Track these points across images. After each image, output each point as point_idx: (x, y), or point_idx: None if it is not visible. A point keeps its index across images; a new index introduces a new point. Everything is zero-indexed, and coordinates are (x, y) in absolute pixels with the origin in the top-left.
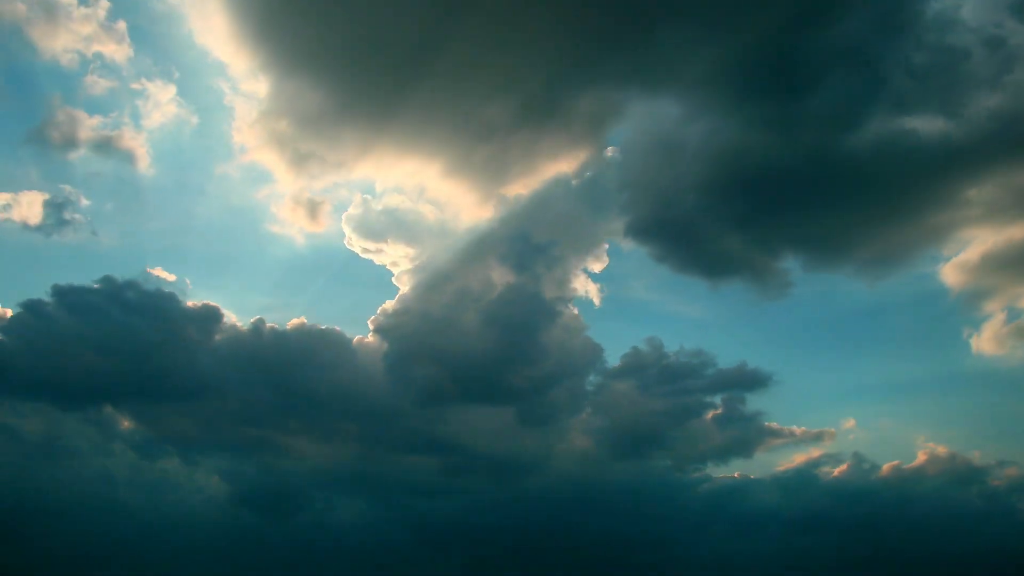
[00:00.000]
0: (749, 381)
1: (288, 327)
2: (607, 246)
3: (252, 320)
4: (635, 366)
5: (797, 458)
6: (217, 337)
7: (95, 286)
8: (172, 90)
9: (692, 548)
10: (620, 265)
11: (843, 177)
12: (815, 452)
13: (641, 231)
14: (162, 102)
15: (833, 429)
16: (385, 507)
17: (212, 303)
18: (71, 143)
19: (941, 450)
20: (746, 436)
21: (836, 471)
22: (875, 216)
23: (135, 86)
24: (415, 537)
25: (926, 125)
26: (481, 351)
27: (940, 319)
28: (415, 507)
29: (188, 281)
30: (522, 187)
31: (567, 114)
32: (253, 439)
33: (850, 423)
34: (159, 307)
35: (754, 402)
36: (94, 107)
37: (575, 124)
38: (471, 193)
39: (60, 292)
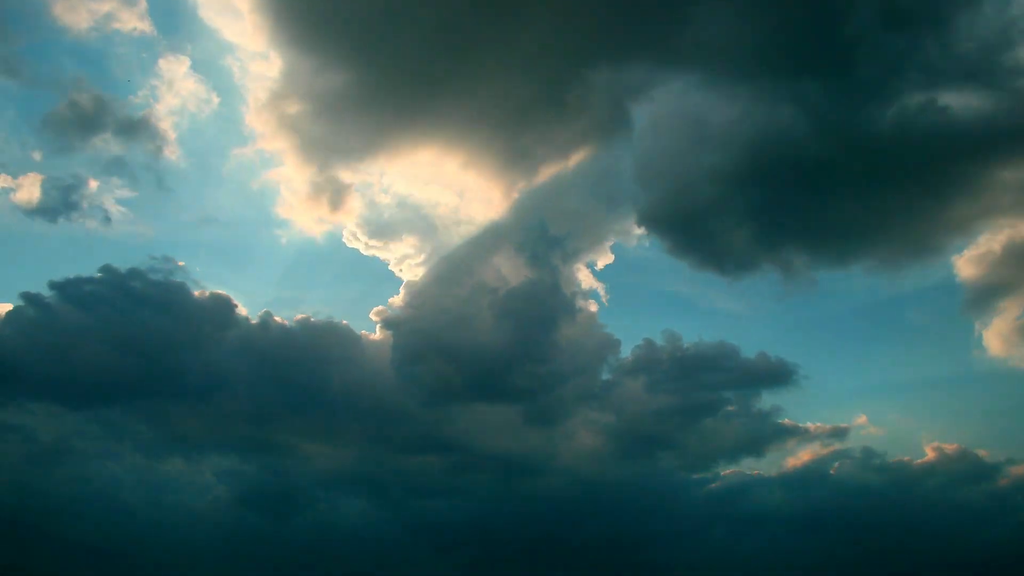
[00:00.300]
0: (768, 377)
1: (295, 321)
2: (614, 240)
3: (260, 313)
4: (646, 361)
5: (808, 455)
6: (227, 331)
7: (97, 275)
8: (186, 64)
9: (702, 546)
10: (627, 260)
11: (880, 158)
12: (825, 449)
13: (654, 222)
14: (177, 79)
15: (845, 425)
16: (389, 506)
17: (222, 292)
18: (87, 125)
19: (950, 447)
20: (760, 433)
21: (846, 468)
22: (895, 206)
23: (154, 66)
24: (419, 537)
25: (962, 101)
26: (489, 346)
27: (954, 315)
28: (419, 507)
29: (198, 269)
30: (541, 177)
31: (587, 101)
32: (257, 438)
33: (861, 419)
34: (167, 298)
35: (768, 398)
36: (113, 86)
37: (596, 111)
38: (487, 185)
39: (58, 287)
